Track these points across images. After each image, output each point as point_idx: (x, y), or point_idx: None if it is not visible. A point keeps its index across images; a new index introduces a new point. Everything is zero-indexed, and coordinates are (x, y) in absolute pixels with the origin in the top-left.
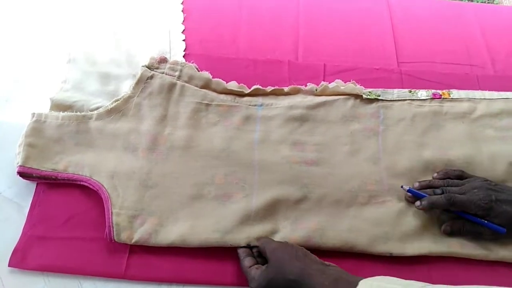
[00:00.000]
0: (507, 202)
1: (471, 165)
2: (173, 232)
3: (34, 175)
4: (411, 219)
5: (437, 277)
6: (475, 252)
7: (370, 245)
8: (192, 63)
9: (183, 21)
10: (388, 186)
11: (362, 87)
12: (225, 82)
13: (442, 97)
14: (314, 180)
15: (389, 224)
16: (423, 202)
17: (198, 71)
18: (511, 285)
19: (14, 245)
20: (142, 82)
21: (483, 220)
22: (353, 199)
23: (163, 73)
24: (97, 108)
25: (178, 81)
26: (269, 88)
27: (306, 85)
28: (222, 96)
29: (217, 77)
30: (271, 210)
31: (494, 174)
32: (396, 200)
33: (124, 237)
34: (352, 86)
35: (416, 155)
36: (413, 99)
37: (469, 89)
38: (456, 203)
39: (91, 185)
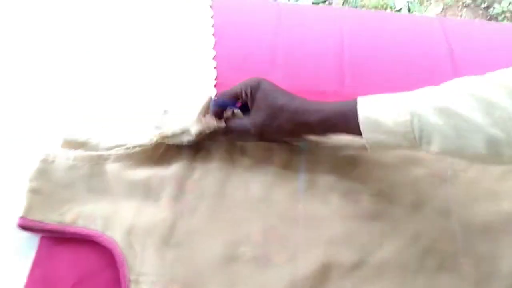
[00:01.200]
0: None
1: None
2: None
3: (36, 228)
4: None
5: None
6: None
7: None
8: None
9: (214, 45)
10: (464, 245)
11: None
12: None
13: None
14: (373, 239)
15: None
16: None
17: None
18: None
19: None
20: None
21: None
22: (421, 263)
23: None
24: (114, 147)
25: None
26: None
27: None
28: None
29: None
30: (321, 278)
31: None
32: (474, 263)
33: None
34: None
35: (494, 207)
36: None
37: None
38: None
39: (104, 242)
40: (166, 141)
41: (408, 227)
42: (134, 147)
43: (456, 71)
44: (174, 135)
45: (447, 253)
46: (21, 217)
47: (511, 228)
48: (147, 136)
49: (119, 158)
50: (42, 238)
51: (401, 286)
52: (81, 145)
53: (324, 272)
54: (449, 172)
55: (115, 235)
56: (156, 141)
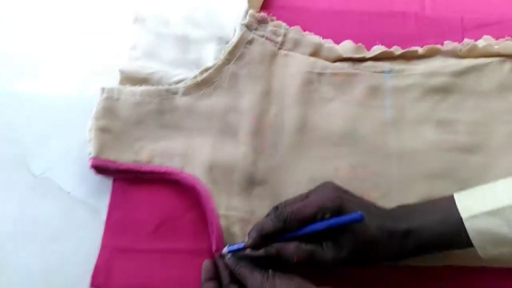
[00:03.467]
0: (354, 197)
1: None
2: None
3: (111, 169)
4: None
5: None
6: None
7: None
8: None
9: None
10: None
11: None
12: (338, 47)
13: None
14: (473, 173)
15: None
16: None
17: None
18: None
19: (95, 260)
20: (241, 46)
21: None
22: None
23: (263, 36)
24: (180, 81)
25: (281, 50)
26: (396, 50)
27: (443, 45)
28: (337, 63)
29: (322, 38)
30: None
31: None
32: None
33: None
34: (510, 44)
35: None
36: None
37: None
38: (294, 213)
39: (185, 179)
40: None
41: (509, 159)
42: (202, 72)
43: None
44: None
45: None
46: (94, 158)
47: None
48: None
49: (189, 90)
50: (114, 181)
51: None
52: (143, 80)
53: None
54: None
55: (195, 172)
56: (222, 58)
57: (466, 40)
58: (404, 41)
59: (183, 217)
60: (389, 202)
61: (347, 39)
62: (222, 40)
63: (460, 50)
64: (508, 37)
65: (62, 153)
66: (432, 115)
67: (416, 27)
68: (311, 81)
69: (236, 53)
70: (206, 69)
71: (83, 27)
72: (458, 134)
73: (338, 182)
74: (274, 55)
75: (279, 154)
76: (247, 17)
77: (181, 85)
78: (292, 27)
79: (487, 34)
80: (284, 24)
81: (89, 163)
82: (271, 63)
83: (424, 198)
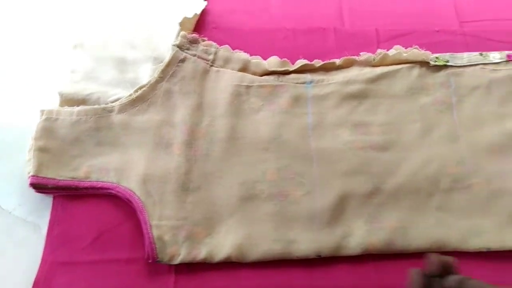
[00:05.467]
0: None
1: None
2: (227, 244)
3: (49, 186)
4: (508, 203)
5: None
6: None
7: (463, 241)
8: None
9: None
10: (473, 166)
11: (428, 52)
12: (265, 62)
13: None
14: (385, 168)
15: (481, 212)
16: None
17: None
18: None
19: (35, 275)
20: (174, 64)
21: None
22: (433, 186)
23: (195, 55)
24: (117, 100)
25: (212, 67)
26: (317, 62)
27: (359, 55)
28: (264, 77)
29: (251, 54)
30: (339, 208)
31: None
32: (484, 181)
33: (169, 255)
34: (416, 52)
35: (499, 128)
36: (486, 63)
37: None
38: None
39: (120, 193)
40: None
41: (418, 153)
42: (136, 90)
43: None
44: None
45: (458, 175)
46: (33, 176)
47: None
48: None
49: (124, 107)
50: (54, 198)
51: (416, 208)
52: (82, 102)
53: (342, 203)
54: (454, 98)
55: (130, 185)
56: (156, 77)
57: (379, 50)
58: (325, 54)
59: (120, 227)
60: (313, 198)
61: (274, 54)
62: (157, 60)
63: (374, 59)
64: (416, 46)
65: (4, 175)
66: (349, 119)
67: (335, 41)
68: (240, 93)
69: (169, 71)
70: (141, 87)
71: (25, 53)
72: (371, 134)
73: (266, 184)
74: (206, 72)
75: (211, 161)
76: (179, 37)
77: (117, 103)
78: (222, 46)
79: (400, 44)
80: (214, 43)
81: (28, 181)
82: (203, 79)
83: (343, 193)
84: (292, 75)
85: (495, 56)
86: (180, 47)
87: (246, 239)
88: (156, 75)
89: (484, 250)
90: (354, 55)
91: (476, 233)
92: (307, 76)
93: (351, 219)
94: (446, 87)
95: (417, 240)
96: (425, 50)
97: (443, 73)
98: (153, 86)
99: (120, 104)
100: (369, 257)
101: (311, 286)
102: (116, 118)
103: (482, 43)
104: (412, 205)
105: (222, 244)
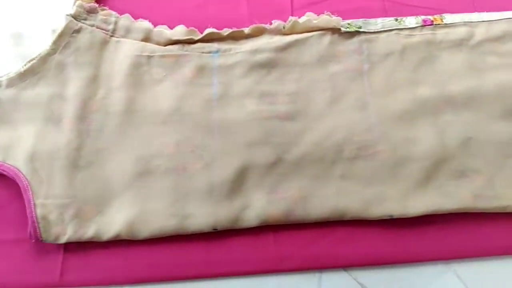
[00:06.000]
0: None
1: (476, 99)
2: (117, 222)
3: None
4: (413, 170)
5: (452, 238)
6: (493, 205)
7: (364, 209)
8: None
9: None
10: (380, 134)
11: (339, 18)
12: (169, 32)
13: (434, 23)
14: (290, 137)
15: (385, 179)
16: None
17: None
18: None
19: None
20: (66, 35)
21: None
22: (338, 154)
23: (93, 25)
24: (6, 74)
25: (113, 37)
26: (225, 31)
27: (271, 23)
28: (168, 46)
29: (159, 23)
30: (239, 180)
31: (505, 106)
32: (390, 149)
33: (54, 234)
34: (327, 18)
35: (410, 94)
36: (401, 29)
37: (463, 12)
38: None
39: (5, 171)
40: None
41: (325, 122)
42: (25, 64)
43: None
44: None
45: (364, 143)
46: None
47: (428, 111)
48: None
49: (12, 82)
50: None
51: (318, 177)
52: None
53: (242, 175)
54: (366, 65)
55: (17, 163)
56: (48, 49)
57: (290, 17)
58: (236, 23)
59: (7, 207)
60: (211, 171)
61: (184, 24)
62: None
63: (283, 27)
64: (328, 12)
65: None
66: (256, 89)
67: (247, 9)
68: (140, 64)
69: (61, 43)
70: (30, 60)
71: None
72: (278, 104)
73: (164, 158)
74: (105, 43)
75: (105, 136)
76: (74, 7)
77: (4, 77)
78: (122, 15)
79: (315, 12)
80: (114, 13)
81: None
82: (101, 50)
83: (244, 165)
84: (198, 45)
85: (411, 21)
86: (75, 17)
87: (138, 216)
88: (48, 47)
89: (387, 217)
90: (266, 24)
91: (379, 200)
92: (214, 45)
93: (251, 191)
94: (359, 54)
95: (317, 209)
96: (337, 16)
97: (355, 40)
98: (44, 58)
99: (8, 79)
100: (269, 229)
101: (208, 260)
102: (4, 93)
103: (400, 9)
104: (314, 174)
105: (112, 221)
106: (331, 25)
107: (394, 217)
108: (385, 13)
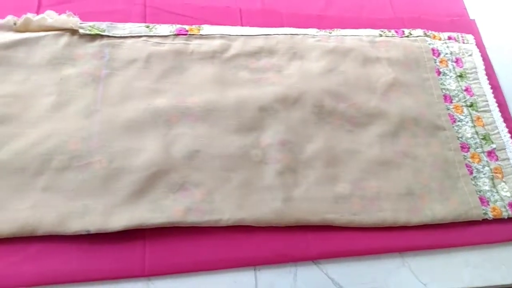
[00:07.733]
0: None
1: (213, 112)
2: None
3: None
4: (126, 183)
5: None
6: (204, 219)
7: (59, 224)
8: None
9: None
10: (100, 144)
11: (77, 18)
12: None
13: (189, 33)
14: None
15: (94, 192)
16: None
17: None
18: None
19: None
20: None
21: None
22: (45, 164)
23: None
24: None
25: None
26: None
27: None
28: None
29: None
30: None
31: (241, 120)
32: (107, 160)
33: None
34: (64, 18)
35: (145, 104)
36: (151, 36)
37: (230, 25)
38: None
39: None
40: None
41: (39, 129)
42: None
43: None
44: None
45: (78, 153)
46: None
47: (161, 123)
48: None
49: None
50: None
51: (16, 189)
52: None
53: None
54: (105, 71)
55: None
56: None
57: (27, 14)
58: None
59: None
60: None
61: None
62: None
63: (15, 23)
64: (70, 13)
65: None
66: None
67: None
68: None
69: None
70: None
71: None
72: None
73: None
74: None
75: None
76: None
77: None
78: None
79: (67, 10)
80: None
81: None
82: None
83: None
84: None
85: (164, 29)
86: None
87: None
88: None
89: (84, 232)
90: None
91: (80, 214)
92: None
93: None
94: (99, 58)
95: (4, 223)
96: (85, 20)
97: (96, 44)
98: None
99: None
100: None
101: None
102: None
103: (162, 16)
104: (14, 185)
105: None
106: (68, 25)
107: (92, 232)
108: (144, 19)
